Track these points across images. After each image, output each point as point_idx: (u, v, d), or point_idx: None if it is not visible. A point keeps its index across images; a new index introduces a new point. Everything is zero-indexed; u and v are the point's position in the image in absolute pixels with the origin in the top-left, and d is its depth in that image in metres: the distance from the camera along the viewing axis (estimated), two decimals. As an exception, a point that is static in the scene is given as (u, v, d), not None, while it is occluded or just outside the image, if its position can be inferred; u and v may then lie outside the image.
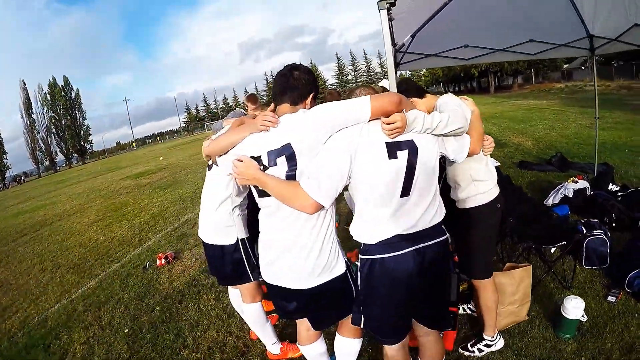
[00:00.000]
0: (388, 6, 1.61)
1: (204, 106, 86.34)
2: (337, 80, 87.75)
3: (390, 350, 1.70)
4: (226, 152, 1.62)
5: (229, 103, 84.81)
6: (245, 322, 2.80)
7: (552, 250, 3.29)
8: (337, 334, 1.90)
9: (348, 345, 1.87)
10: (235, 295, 2.60)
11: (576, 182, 4.45)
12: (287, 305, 1.74)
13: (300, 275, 1.59)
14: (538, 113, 13.82)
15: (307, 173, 1.44)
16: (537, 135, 9.17)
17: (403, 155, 1.44)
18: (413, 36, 3.19)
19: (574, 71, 30.95)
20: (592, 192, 4.28)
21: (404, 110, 1.43)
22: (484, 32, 4.39)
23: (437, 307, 1.68)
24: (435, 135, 1.52)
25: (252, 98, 3.56)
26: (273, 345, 2.49)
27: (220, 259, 2.29)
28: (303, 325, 1.87)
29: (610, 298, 2.60)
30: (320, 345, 1.93)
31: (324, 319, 1.79)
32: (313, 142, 1.44)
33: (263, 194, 1.56)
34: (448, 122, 1.48)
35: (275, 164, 1.49)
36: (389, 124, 1.40)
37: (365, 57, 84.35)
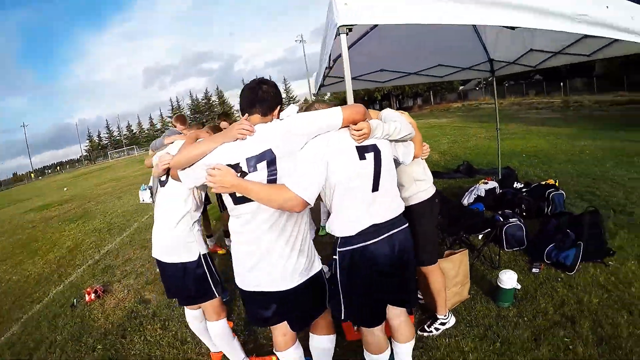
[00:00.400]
0: (347, 31, 1.82)
1: (107, 133, 79.83)
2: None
3: (370, 334, 1.83)
4: (191, 165, 1.64)
5: (133, 130, 79.74)
6: (202, 346, 2.73)
7: (480, 237, 3.79)
8: (311, 334, 1.97)
9: (324, 342, 1.95)
10: (193, 317, 2.48)
11: (486, 183, 5.18)
12: (264, 312, 1.77)
13: (283, 276, 1.66)
14: (440, 130, 15.55)
15: (290, 175, 1.55)
16: (442, 149, 10.28)
17: (370, 156, 1.68)
18: (334, 61, 3.49)
19: (469, 91, 35.55)
20: (501, 191, 5.02)
21: (367, 119, 1.67)
22: (399, 58, 4.87)
23: (408, 287, 1.87)
24: (390, 140, 1.79)
25: (182, 118, 3.61)
26: None
27: (182, 278, 2.22)
28: (279, 330, 1.89)
29: (534, 270, 3.12)
30: (297, 349, 1.95)
31: (303, 319, 1.86)
32: (292, 147, 1.56)
33: (240, 201, 1.61)
34: (401, 130, 1.79)
35: (255, 170, 1.57)
36: (357, 130, 1.61)
37: None
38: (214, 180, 1.53)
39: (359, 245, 1.66)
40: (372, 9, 1.78)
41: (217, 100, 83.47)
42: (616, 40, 2.75)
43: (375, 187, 1.69)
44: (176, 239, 2.18)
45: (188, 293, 2.28)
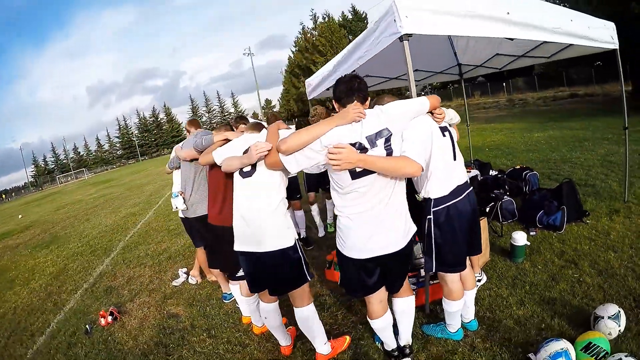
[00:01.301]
0: (408, 38, 2.32)
1: (53, 157, 73.97)
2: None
3: (455, 283, 2.29)
4: (299, 149, 1.88)
5: (80, 152, 75.17)
6: (265, 344, 2.84)
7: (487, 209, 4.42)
8: (395, 299, 2.26)
9: (410, 302, 2.27)
10: (273, 309, 2.58)
11: (469, 172, 5.94)
12: (370, 279, 2.05)
13: (396, 239, 1.96)
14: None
15: (404, 148, 1.87)
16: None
17: (447, 134, 2.21)
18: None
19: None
20: (482, 177, 5.80)
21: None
22: (384, 64, 5.50)
23: (479, 239, 2.38)
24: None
25: (196, 122, 3.83)
26: (325, 345, 2.51)
27: (280, 266, 2.26)
28: (376, 298, 2.14)
29: (532, 233, 3.82)
30: (389, 316, 2.23)
31: (400, 281, 2.20)
32: (401, 126, 1.93)
33: (358, 175, 1.85)
34: (452, 117, 2.41)
35: (375, 146, 1.84)
36: (439, 114, 2.13)
37: (219, 97, 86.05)
38: (340, 157, 1.74)
39: (450, 203, 2.14)
40: (427, 21, 2.31)
41: (165, 117, 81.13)
42: (571, 44, 3.57)
43: (454, 157, 2.21)
44: (276, 227, 2.22)
45: (285, 280, 2.32)
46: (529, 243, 3.38)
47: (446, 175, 2.15)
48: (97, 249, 7.25)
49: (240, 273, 2.71)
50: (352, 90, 1.92)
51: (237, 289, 3.07)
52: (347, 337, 2.64)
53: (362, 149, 1.82)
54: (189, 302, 3.85)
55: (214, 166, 2.59)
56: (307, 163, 1.90)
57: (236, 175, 2.31)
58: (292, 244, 2.26)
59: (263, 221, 2.22)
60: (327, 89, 4.83)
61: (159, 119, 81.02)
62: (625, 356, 1.88)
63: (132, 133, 79.00)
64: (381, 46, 2.56)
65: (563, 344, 2.01)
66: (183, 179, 3.43)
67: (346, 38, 43.49)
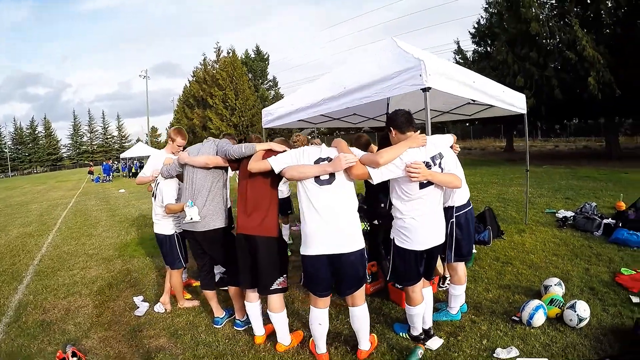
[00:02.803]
0: (428, 90, 3.14)
1: None
2: (70, 141, 78.02)
3: (463, 267, 3.13)
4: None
5: None
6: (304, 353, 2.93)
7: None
8: (423, 289, 2.82)
9: (430, 290, 2.93)
10: (326, 316, 2.74)
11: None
12: (420, 268, 2.69)
13: (440, 233, 2.65)
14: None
15: (451, 168, 2.62)
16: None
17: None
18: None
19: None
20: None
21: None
22: (366, 106, 6.34)
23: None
24: None
25: (184, 133, 3.91)
26: (367, 341, 2.81)
27: (358, 265, 2.55)
28: (418, 286, 2.73)
29: (473, 244, 5.06)
30: None
31: (435, 266, 2.93)
32: (446, 152, 2.70)
33: (425, 186, 2.49)
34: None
35: (435, 165, 2.53)
36: (457, 146, 3.06)
37: (104, 118, 79.79)
38: (421, 172, 2.39)
39: (467, 209, 3.02)
40: (439, 82, 3.28)
41: (44, 131, 71.14)
42: (492, 106, 5.09)
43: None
44: (358, 229, 2.56)
45: (357, 279, 2.59)
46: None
47: (464, 190, 3.05)
48: (1, 273, 6.16)
49: (275, 286, 2.87)
50: (410, 121, 2.62)
51: (254, 307, 3.07)
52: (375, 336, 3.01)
53: (428, 166, 2.50)
54: (171, 332, 3.43)
55: (253, 175, 2.82)
56: (388, 175, 2.50)
57: (308, 184, 2.55)
58: (363, 245, 2.57)
59: (348, 224, 2.52)
60: (300, 120, 5.37)
61: (36, 132, 70.84)
62: (577, 301, 2.99)
63: (4, 144, 67.57)
64: (399, 92, 3.35)
65: (537, 302, 3.02)
66: (194, 188, 3.20)
67: (246, 75, 44.76)
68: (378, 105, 6.79)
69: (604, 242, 4.95)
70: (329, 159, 2.56)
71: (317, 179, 2.52)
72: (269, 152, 2.83)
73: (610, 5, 13.74)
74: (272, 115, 5.50)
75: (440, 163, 2.60)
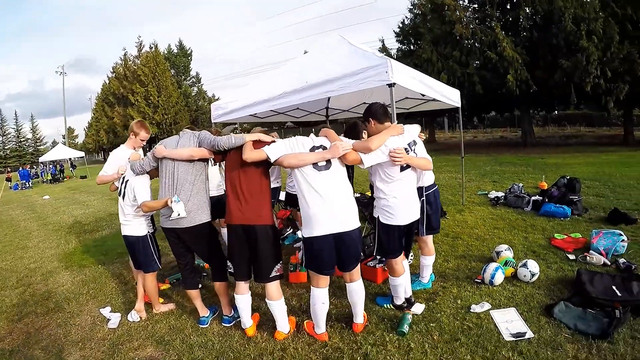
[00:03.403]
0: (393, 85, 3.45)
1: None
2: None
3: (431, 240, 3.60)
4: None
5: None
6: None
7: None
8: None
9: (406, 263, 3.27)
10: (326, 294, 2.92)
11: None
12: (402, 242, 3.03)
13: (415, 210, 3.03)
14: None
15: (423, 154, 3.08)
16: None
17: None
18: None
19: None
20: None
21: None
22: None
23: None
24: None
25: (147, 126, 3.80)
26: (361, 316, 3.04)
27: (357, 242, 2.78)
28: (400, 258, 3.05)
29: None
30: None
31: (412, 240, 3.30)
32: (417, 139, 3.12)
33: (404, 169, 2.87)
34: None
35: (412, 150, 2.95)
36: (423, 135, 3.45)
37: (17, 119, 69.42)
38: (403, 156, 2.77)
39: (435, 188, 3.48)
40: (401, 78, 3.60)
41: None
42: (427, 101, 5.62)
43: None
44: (355, 209, 2.78)
45: (357, 255, 2.81)
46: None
47: (431, 172, 3.48)
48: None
49: (274, 273, 2.93)
50: (386, 113, 3.01)
51: (245, 299, 3.05)
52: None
53: (406, 152, 2.90)
54: (157, 340, 3.21)
55: (246, 165, 2.86)
56: (376, 160, 2.80)
57: (307, 170, 2.71)
58: (359, 223, 2.81)
59: (348, 204, 2.74)
60: (250, 115, 5.35)
61: None
62: (527, 260, 3.59)
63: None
64: (365, 86, 3.63)
65: (495, 264, 3.57)
66: (175, 183, 3.08)
67: (169, 71, 42.76)
68: (319, 101, 7.05)
69: (534, 216, 5.83)
70: (323, 147, 2.80)
71: (315, 165, 2.71)
72: (258, 143, 2.91)
73: (528, 11, 15.63)
74: (223, 110, 5.38)
75: (414, 149, 3.00)
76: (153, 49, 40.87)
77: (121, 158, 3.65)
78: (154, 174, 3.40)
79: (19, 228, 9.37)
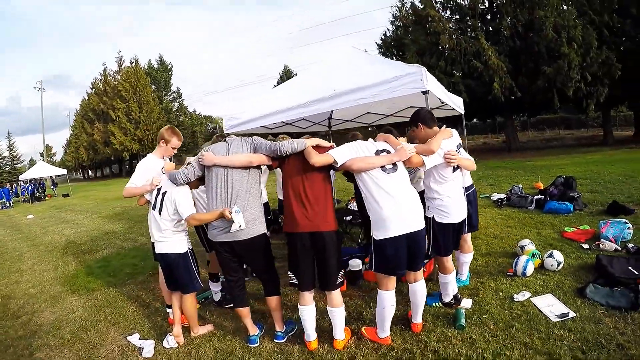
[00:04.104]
0: (427, 92, 3.68)
1: None
2: None
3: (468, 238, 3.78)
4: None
5: None
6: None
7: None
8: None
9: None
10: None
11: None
12: (456, 239, 3.31)
13: (465, 207, 3.26)
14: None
15: (465, 156, 3.25)
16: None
17: None
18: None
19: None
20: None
21: None
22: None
23: None
24: None
25: (178, 133, 3.58)
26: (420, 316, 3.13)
27: (425, 240, 2.95)
28: (451, 255, 3.26)
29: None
30: None
31: None
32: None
33: (455, 169, 3.08)
34: None
35: (459, 152, 3.12)
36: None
37: None
38: (457, 158, 3.01)
39: (473, 189, 3.79)
40: (432, 85, 3.88)
41: None
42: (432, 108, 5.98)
43: None
44: (422, 208, 2.88)
45: (424, 252, 2.97)
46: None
47: (469, 172, 3.67)
48: None
49: (339, 279, 2.94)
50: (433, 118, 3.17)
51: (311, 310, 2.98)
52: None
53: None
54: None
55: (309, 171, 2.86)
56: (435, 162, 2.98)
57: (376, 173, 2.78)
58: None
59: (416, 204, 2.82)
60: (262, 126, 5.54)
61: None
62: (553, 251, 3.90)
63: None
64: (399, 94, 3.79)
65: (525, 257, 3.82)
66: (231, 192, 2.93)
67: (150, 87, 42.57)
68: (324, 113, 7.29)
69: (540, 213, 6.18)
70: (386, 151, 2.90)
71: (383, 167, 2.79)
72: (317, 148, 2.92)
73: (509, 21, 16.54)
74: (237, 120, 5.36)
75: (459, 151, 3.22)
76: (134, 64, 40.63)
77: (152, 168, 3.40)
78: (194, 184, 3.26)
79: (7, 249, 8.95)
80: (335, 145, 3.00)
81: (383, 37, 24.51)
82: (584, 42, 14.34)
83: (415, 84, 3.69)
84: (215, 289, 4.07)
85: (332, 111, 7.08)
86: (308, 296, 2.96)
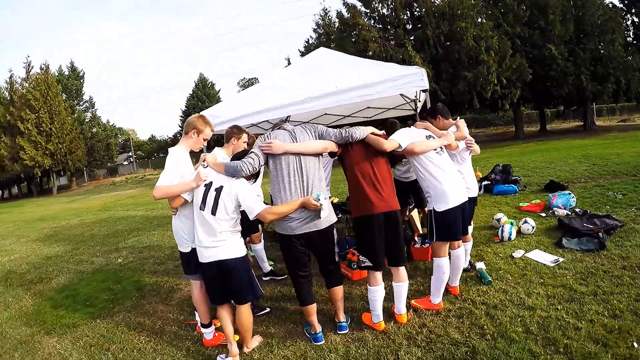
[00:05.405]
0: (427, 90, 4.37)
1: None
2: None
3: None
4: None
5: None
6: None
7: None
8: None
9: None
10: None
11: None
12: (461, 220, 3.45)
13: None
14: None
15: None
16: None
17: None
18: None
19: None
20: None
21: None
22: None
23: None
24: None
25: (208, 121, 3.18)
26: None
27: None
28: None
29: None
30: None
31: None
32: None
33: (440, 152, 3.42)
34: None
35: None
36: None
37: None
38: (474, 143, 3.63)
39: None
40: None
41: None
42: (387, 109, 6.83)
43: None
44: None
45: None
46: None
47: None
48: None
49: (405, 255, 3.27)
50: (449, 112, 3.68)
51: (381, 290, 3.10)
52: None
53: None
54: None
55: (376, 155, 3.10)
56: (463, 146, 3.61)
57: (431, 154, 3.22)
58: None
59: (461, 179, 3.40)
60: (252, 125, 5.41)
61: None
62: (526, 218, 4.89)
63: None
64: (403, 91, 4.35)
65: (508, 225, 4.78)
66: (307, 180, 2.88)
67: (61, 95, 38.71)
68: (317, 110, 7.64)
69: (492, 196, 7.44)
70: (432, 137, 3.37)
71: (435, 150, 3.28)
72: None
73: (432, 30, 18.53)
74: (218, 118, 4.82)
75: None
76: (44, 71, 36.48)
77: (188, 162, 3.05)
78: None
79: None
80: (385, 133, 3.32)
81: (306, 44, 25.62)
82: (500, 51, 17.23)
83: (417, 82, 4.22)
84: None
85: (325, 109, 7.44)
86: (379, 276, 3.12)
